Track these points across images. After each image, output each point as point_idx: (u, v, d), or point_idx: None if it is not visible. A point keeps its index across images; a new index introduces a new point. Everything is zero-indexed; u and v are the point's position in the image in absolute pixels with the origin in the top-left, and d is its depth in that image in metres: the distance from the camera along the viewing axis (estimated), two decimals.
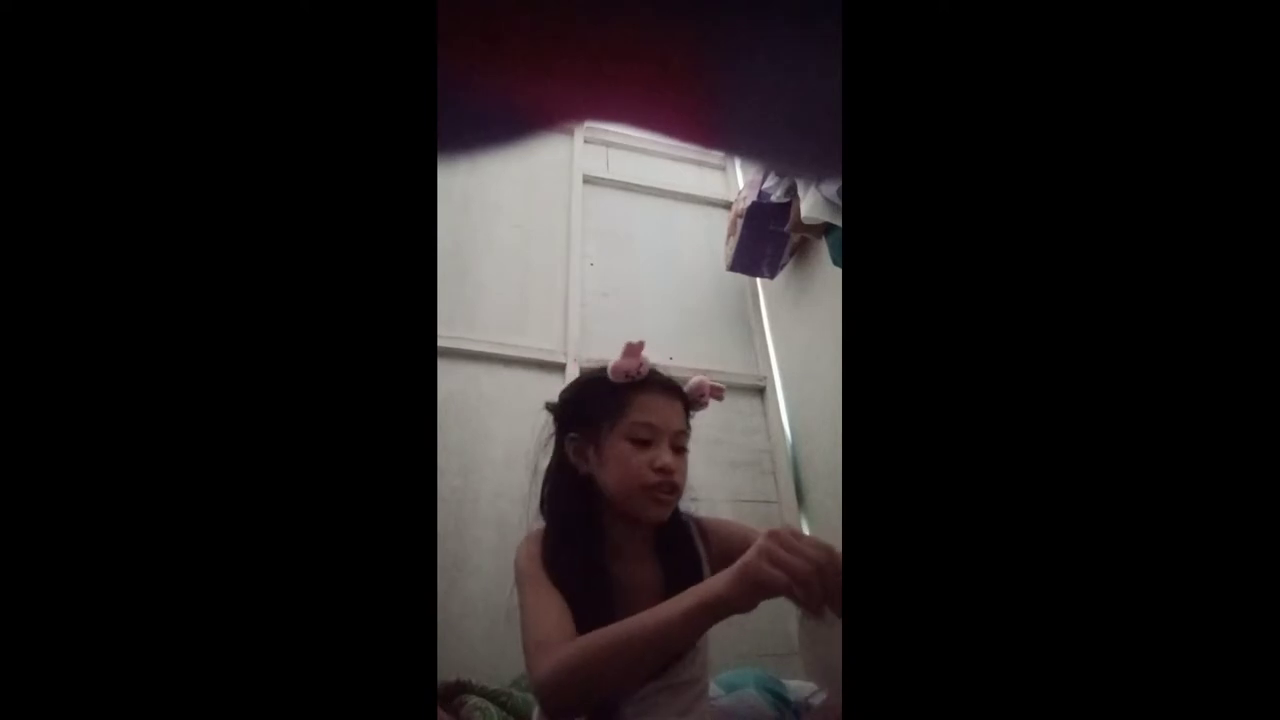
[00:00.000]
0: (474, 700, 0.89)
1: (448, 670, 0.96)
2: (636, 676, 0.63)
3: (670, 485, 0.75)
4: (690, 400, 0.82)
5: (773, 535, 0.56)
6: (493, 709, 0.89)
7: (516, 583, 0.74)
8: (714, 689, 0.83)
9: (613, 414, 0.77)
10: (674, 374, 0.83)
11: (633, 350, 0.78)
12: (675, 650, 0.61)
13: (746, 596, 0.55)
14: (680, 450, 0.78)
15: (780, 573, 0.52)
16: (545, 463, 0.84)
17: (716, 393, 0.84)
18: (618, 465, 0.75)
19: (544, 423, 0.85)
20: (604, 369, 0.80)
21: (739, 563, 0.56)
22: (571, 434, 0.80)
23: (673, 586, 0.74)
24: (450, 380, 1.46)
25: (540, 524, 0.81)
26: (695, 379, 0.84)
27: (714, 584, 0.58)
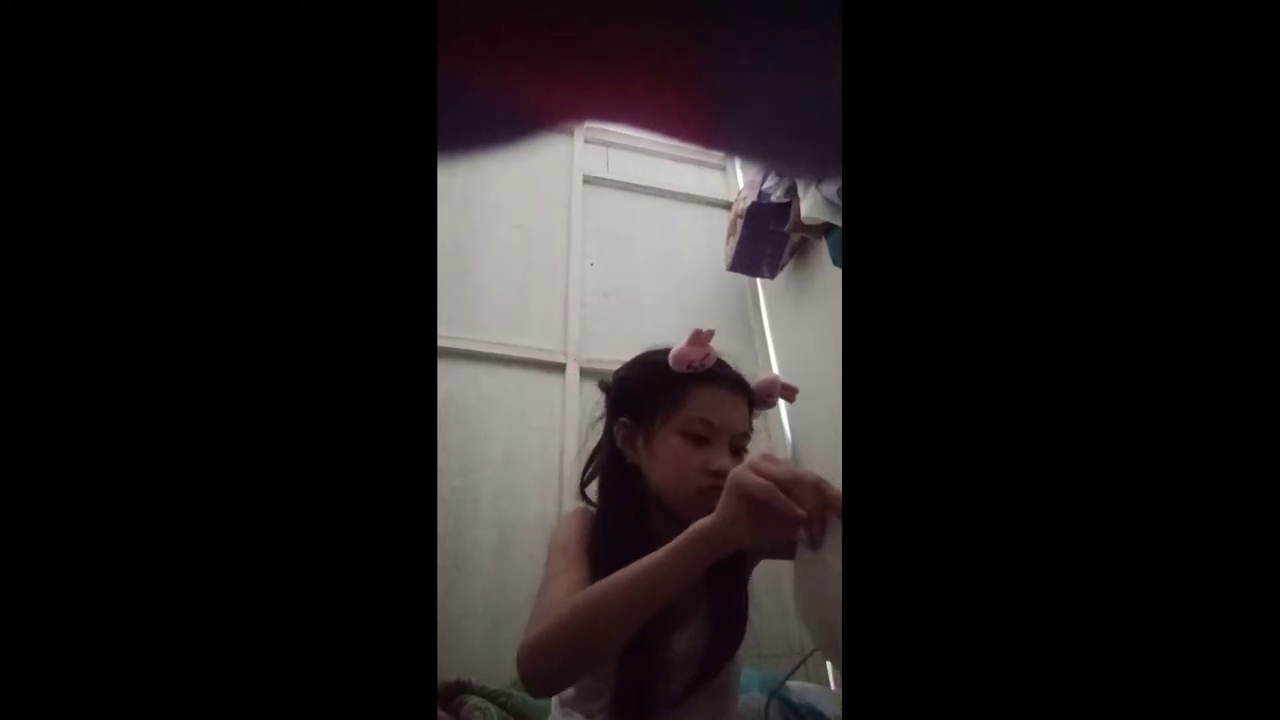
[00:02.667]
0: (474, 700, 0.89)
1: (448, 670, 0.96)
2: (629, 627, 0.56)
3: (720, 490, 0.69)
4: (756, 399, 0.76)
5: (761, 454, 0.53)
6: (493, 709, 0.89)
7: (549, 555, 0.68)
8: (745, 684, 0.81)
9: (668, 404, 0.71)
10: (748, 377, 0.79)
11: (700, 339, 0.71)
12: (670, 593, 0.55)
13: (740, 518, 0.51)
14: (739, 452, 0.71)
15: (763, 480, 0.49)
16: (592, 443, 0.79)
17: (788, 393, 0.78)
18: (668, 462, 0.69)
19: (597, 400, 0.80)
20: (666, 351, 0.74)
21: (725, 484, 0.52)
22: (623, 418, 0.74)
23: (714, 584, 0.69)
24: (450, 380, 1.46)
25: (579, 504, 0.76)
26: (765, 376, 0.77)
27: (704, 518, 0.53)
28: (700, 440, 0.69)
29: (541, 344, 1.59)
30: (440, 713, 0.86)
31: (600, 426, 0.79)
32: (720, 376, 0.73)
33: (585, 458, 0.79)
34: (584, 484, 0.78)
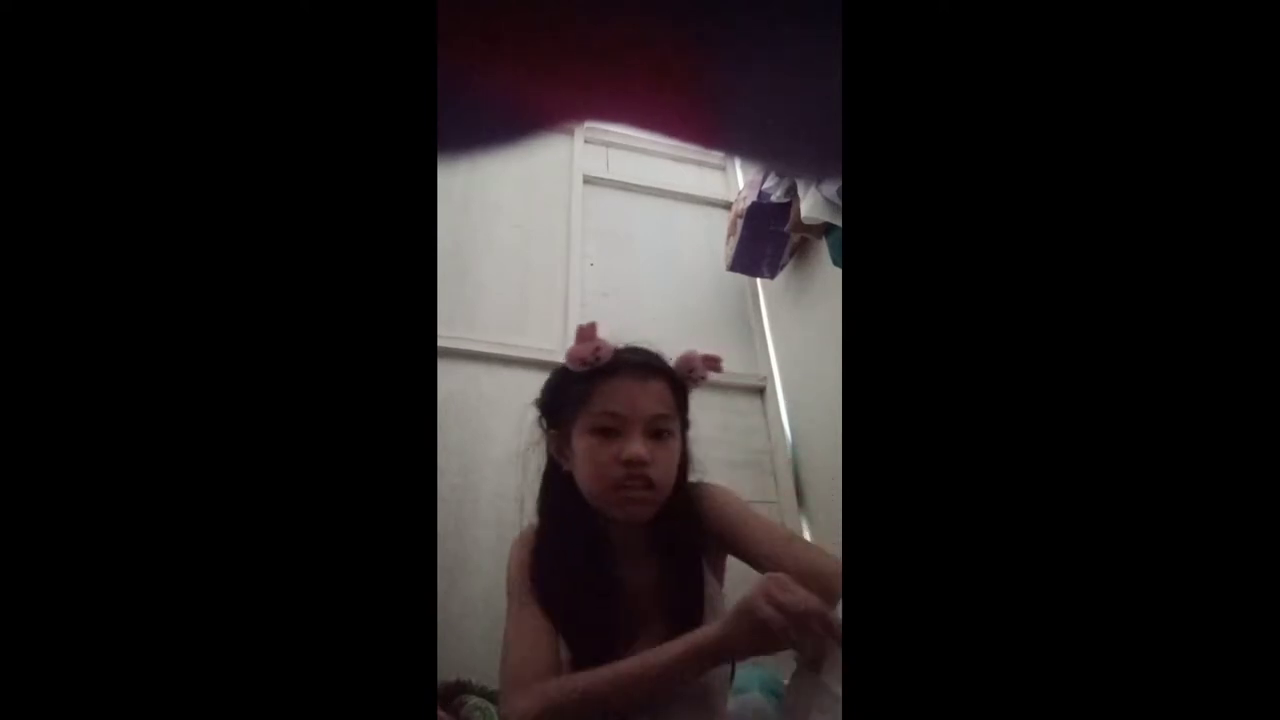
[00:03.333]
0: (474, 700, 0.89)
1: (448, 670, 0.96)
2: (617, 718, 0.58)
3: (641, 479, 0.66)
4: (681, 378, 0.73)
5: (772, 578, 0.54)
6: (493, 709, 0.89)
7: (506, 593, 0.70)
8: (746, 683, 0.81)
9: (576, 406, 0.69)
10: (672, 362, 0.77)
11: (584, 334, 0.69)
12: (663, 698, 0.57)
13: (744, 638, 0.53)
14: (661, 435, 0.68)
15: (775, 611, 0.51)
16: (535, 461, 0.79)
17: (711, 363, 0.74)
18: (585, 461, 0.68)
19: (533, 419, 0.79)
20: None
21: (736, 604, 0.54)
22: (551, 431, 0.74)
23: (669, 586, 0.69)
24: (450, 380, 1.46)
25: (525, 529, 0.76)
26: (683, 353, 0.74)
27: (709, 628, 0.55)
28: (610, 433, 0.67)
29: (541, 344, 1.59)
30: (440, 713, 0.86)
31: (542, 445, 0.78)
32: (622, 365, 0.70)
33: (533, 477, 0.79)
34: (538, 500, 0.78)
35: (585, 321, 0.70)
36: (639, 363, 0.71)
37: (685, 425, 0.75)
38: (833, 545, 1.35)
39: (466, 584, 1.26)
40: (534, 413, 0.79)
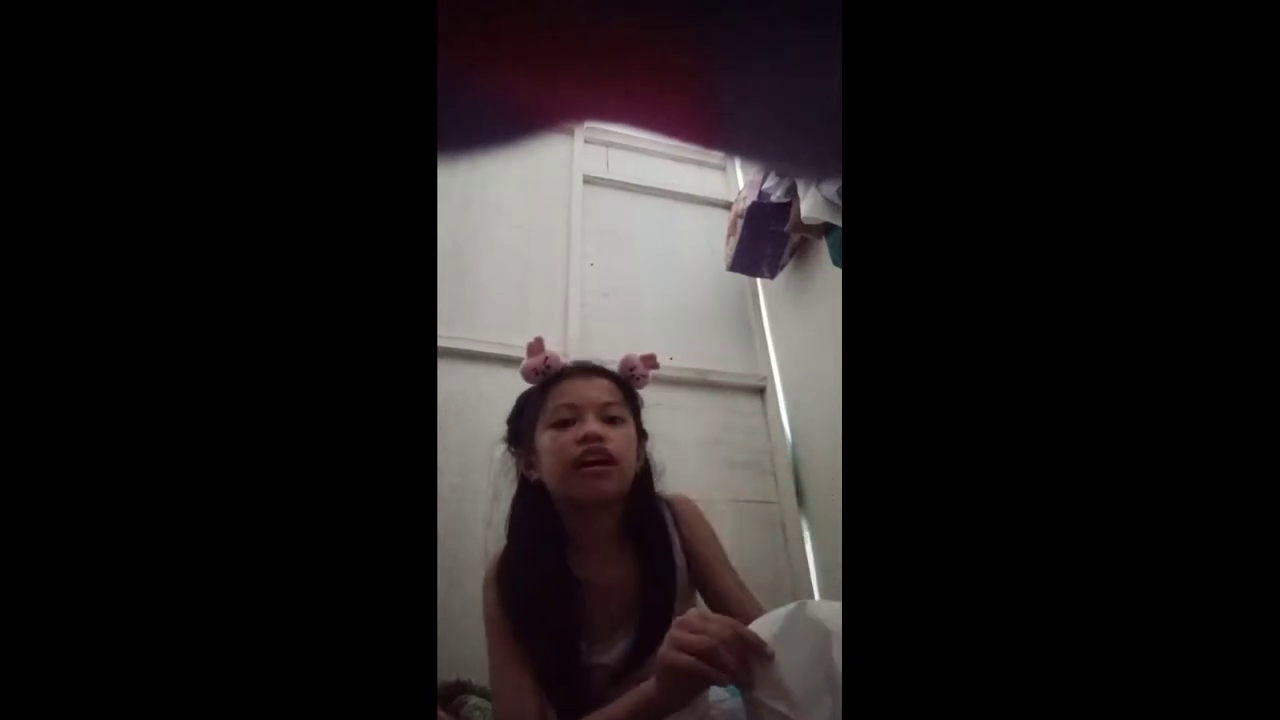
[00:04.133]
0: (474, 700, 0.89)
1: (448, 670, 0.96)
2: None
3: (599, 452, 0.72)
4: (623, 376, 0.82)
5: (679, 623, 0.56)
6: (492, 709, 0.89)
7: (486, 631, 0.74)
8: (719, 692, 0.83)
9: (535, 412, 0.78)
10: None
11: (533, 348, 0.79)
12: None
13: (670, 691, 0.55)
14: (613, 421, 0.76)
15: (688, 657, 0.53)
16: (504, 488, 0.84)
17: (649, 362, 0.83)
18: (549, 453, 0.75)
19: (500, 453, 0.85)
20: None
21: (657, 662, 0.56)
22: (515, 449, 0.81)
23: (647, 579, 0.75)
24: (450, 380, 1.46)
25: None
26: (624, 355, 0.84)
27: (646, 686, 0.58)
28: (566, 424, 0.75)
29: None
30: (440, 713, 0.86)
31: (511, 475, 0.84)
32: (570, 370, 0.80)
33: (502, 504, 0.84)
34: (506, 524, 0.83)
35: (534, 341, 0.79)
36: (584, 366, 0.82)
37: (638, 417, 0.82)
38: (833, 545, 1.36)
39: (466, 584, 1.26)
40: (500, 448, 0.86)
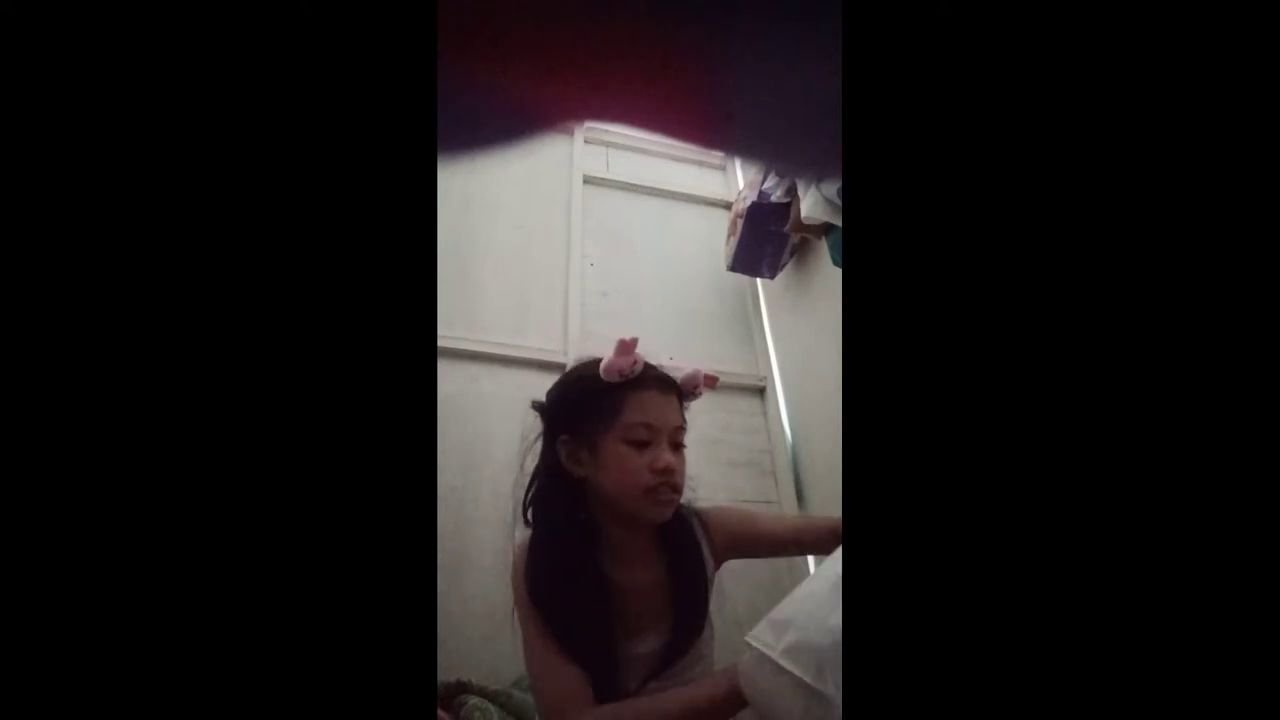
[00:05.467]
0: (474, 700, 0.89)
1: (448, 670, 0.96)
2: None
3: (672, 485, 0.73)
4: (685, 392, 0.79)
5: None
6: (493, 709, 0.89)
7: (519, 617, 0.72)
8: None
9: (607, 415, 0.73)
10: (671, 372, 0.81)
11: (626, 347, 0.73)
12: None
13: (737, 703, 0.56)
14: (678, 447, 0.75)
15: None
16: (532, 464, 0.81)
17: (710, 382, 0.81)
18: (616, 469, 0.72)
19: (531, 422, 0.81)
20: (594, 363, 0.76)
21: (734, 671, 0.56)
22: (563, 436, 0.76)
23: (677, 585, 0.75)
24: (450, 380, 1.46)
25: (523, 531, 0.78)
26: (689, 370, 0.80)
27: (720, 683, 0.58)
28: (642, 444, 0.73)
29: (541, 344, 1.59)
30: (440, 713, 0.86)
31: (537, 449, 0.81)
32: (649, 379, 0.76)
33: (526, 480, 0.81)
34: (527, 506, 0.80)
35: (629, 337, 0.74)
36: (661, 378, 0.77)
37: None
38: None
39: (466, 584, 1.26)
40: (534, 417, 0.81)
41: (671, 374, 0.79)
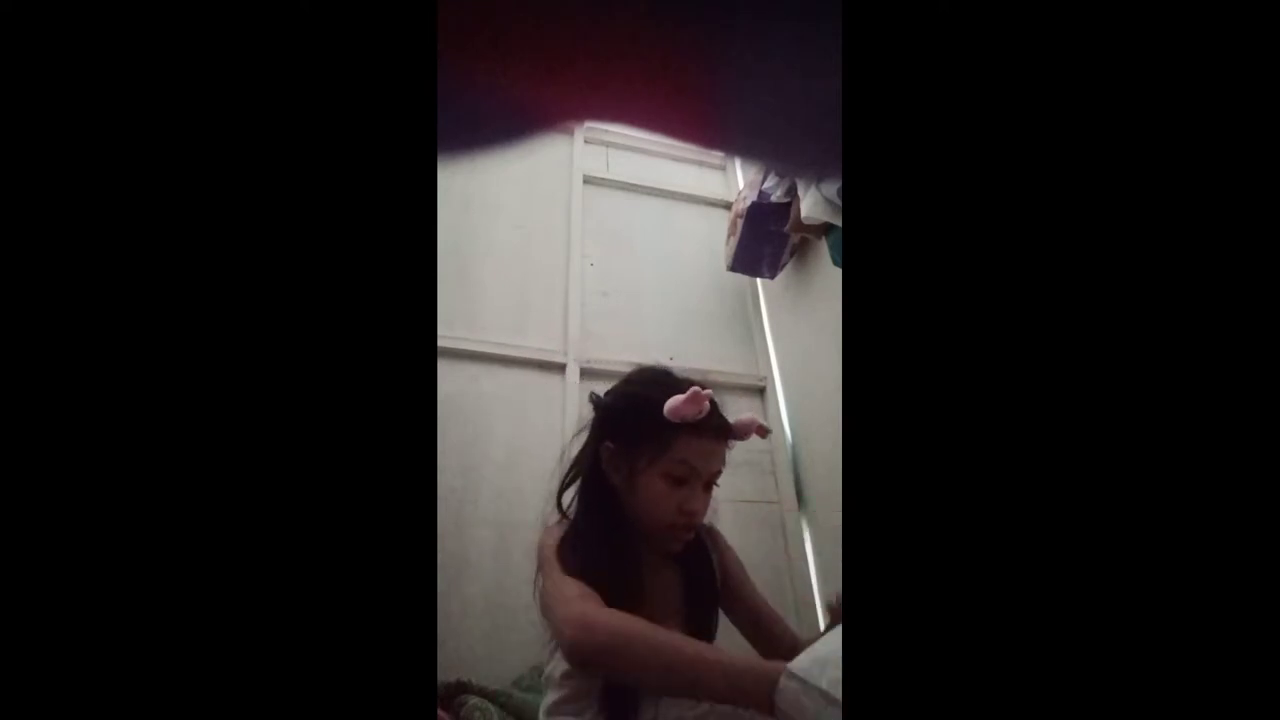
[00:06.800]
0: (474, 700, 0.89)
1: (448, 670, 0.96)
2: (656, 680, 0.60)
3: (690, 525, 0.75)
4: (734, 436, 0.80)
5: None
6: (493, 709, 0.89)
7: (540, 569, 0.73)
8: None
9: (656, 447, 0.73)
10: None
11: (698, 399, 0.72)
12: (696, 688, 0.59)
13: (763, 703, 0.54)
14: (711, 487, 0.77)
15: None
16: (575, 450, 0.82)
17: (763, 432, 0.82)
18: (647, 499, 0.74)
19: (591, 416, 0.82)
20: (662, 379, 0.77)
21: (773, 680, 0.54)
22: (609, 443, 0.77)
23: (691, 590, 0.78)
24: (450, 380, 1.46)
25: (555, 514, 0.80)
26: (745, 417, 0.81)
27: (760, 676, 0.55)
28: (680, 481, 0.74)
29: (541, 344, 1.59)
30: (440, 713, 0.86)
31: (584, 436, 0.82)
32: (707, 425, 0.75)
33: (567, 464, 0.82)
34: (562, 490, 0.81)
35: (700, 391, 0.73)
36: (719, 425, 0.77)
37: None
38: (833, 545, 1.36)
39: (466, 584, 1.26)
40: (591, 410, 0.82)
41: (728, 419, 0.79)
